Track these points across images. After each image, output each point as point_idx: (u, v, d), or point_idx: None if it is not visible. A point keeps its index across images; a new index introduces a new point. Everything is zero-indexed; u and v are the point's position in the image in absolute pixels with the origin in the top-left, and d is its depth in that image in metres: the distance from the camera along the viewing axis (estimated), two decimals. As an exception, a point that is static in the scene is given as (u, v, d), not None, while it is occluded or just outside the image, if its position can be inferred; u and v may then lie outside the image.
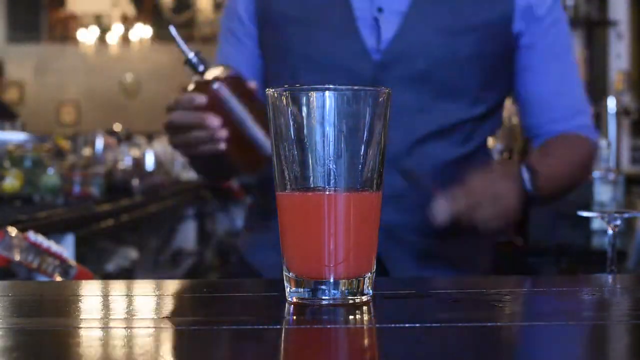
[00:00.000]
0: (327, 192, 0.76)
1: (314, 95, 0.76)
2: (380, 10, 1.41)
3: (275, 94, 0.78)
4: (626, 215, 1.01)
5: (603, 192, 2.09)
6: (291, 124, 0.77)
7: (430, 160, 1.40)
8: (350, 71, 1.41)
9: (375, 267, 0.79)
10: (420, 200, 1.29)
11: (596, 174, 2.12)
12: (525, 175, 1.31)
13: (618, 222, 1.00)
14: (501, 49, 1.44)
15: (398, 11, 1.41)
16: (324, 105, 0.76)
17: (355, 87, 0.77)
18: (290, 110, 0.77)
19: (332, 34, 1.44)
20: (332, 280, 0.76)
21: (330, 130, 0.76)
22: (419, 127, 1.39)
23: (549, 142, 1.48)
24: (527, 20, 1.44)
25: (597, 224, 2.09)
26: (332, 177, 0.76)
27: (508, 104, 2.43)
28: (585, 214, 1.04)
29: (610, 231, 1.01)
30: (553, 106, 1.49)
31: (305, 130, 0.76)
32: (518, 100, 1.54)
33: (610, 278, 0.96)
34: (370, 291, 0.78)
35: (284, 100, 0.77)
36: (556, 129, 1.49)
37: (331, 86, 0.76)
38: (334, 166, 0.76)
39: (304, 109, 0.76)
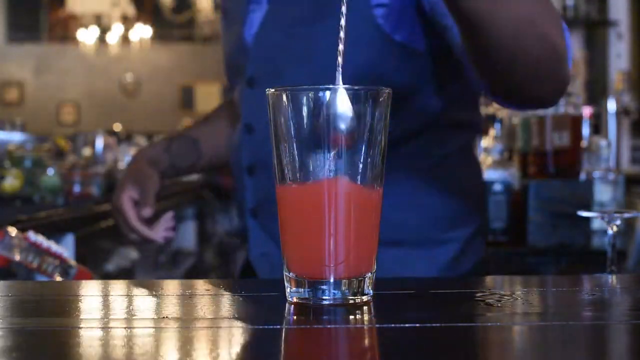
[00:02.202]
0: (327, 192, 0.76)
1: (314, 94, 0.76)
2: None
3: (275, 93, 0.78)
4: (626, 215, 1.01)
5: (603, 192, 2.09)
6: (291, 123, 0.77)
7: None
8: (239, 69, 1.41)
9: (375, 267, 0.79)
10: None
11: (596, 174, 2.12)
12: None
13: (618, 222, 1.00)
14: (365, 36, 1.29)
15: (266, 4, 1.36)
16: (324, 104, 0.76)
17: (356, 87, 0.77)
18: (290, 110, 0.77)
19: (231, 29, 1.44)
20: (332, 280, 0.76)
21: (330, 130, 0.76)
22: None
23: None
24: None
25: (597, 224, 2.09)
26: (332, 177, 0.76)
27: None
28: (585, 214, 1.04)
29: (610, 231, 1.01)
30: None
31: (305, 130, 0.76)
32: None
33: (610, 278, 0.95)
34: (371, 291, 0.78)
35: (284, 100, 0.77)
36: None
37: (331, 86, 0.76)
38: (334, 166, 0.76)
39: (304, 108, 0.76)
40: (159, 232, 1.47)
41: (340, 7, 1.10)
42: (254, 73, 1.38)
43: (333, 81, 0.78)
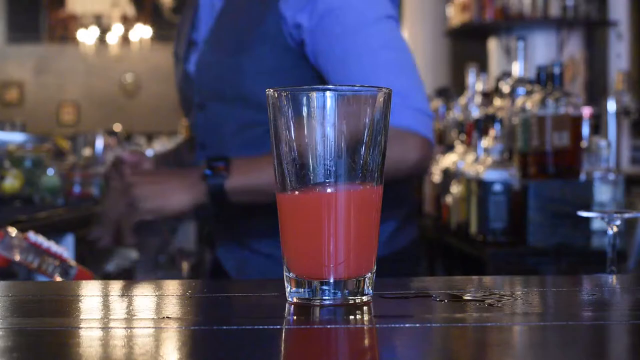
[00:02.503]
0: (327, 192, 0.76)
1: (314, 95, 0.76)
2: (191, 43, 1.69)
3: (275, 94, 0.78)
4: (626, 215, 1.01)
5: (603, 192, 2.09)
6: (291, 124, 0.77)
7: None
8: (185, 96, 1.71)
9: (375, 267, 0.79)
10: None
11: (596, 174, 2.12)
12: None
13: (618, 222, 1.00)
14: (284, 63, 1.55)
15: (200, 40, 1.66)
16: (324, 105, 0.76)
17: (356, 87, 0.77)
18: (291, 110, 0.77)
19: (178, 67, 1.75)
20: (332, 280, 0.76)
21: (330, 131, 0.76)
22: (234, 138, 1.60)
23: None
24: (298, 33, 1.51)
25: (597, 224, 2.09)
26: (332, 177, 0.76)
27: (507, 104, 2.43)
28: (585, 214, 1.04)
29: (610, 231, 1.01)
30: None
31: (305, 130, 0.76)
32: None
33: (610, 278, 0.95)
34: (371, 291, 0.78)
35: (284, 100, 0.77)
36: None
37: (331, 86, 0.76)
38: (334, 166, 0.76)
39: (304, 109, 0.76)
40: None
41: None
42: (200, 99, 1.64)
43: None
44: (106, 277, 2.92)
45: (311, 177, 0.77)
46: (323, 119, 0.76)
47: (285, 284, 0.79)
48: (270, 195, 1.36)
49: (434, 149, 1.53)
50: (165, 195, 1.44)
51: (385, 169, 1.17)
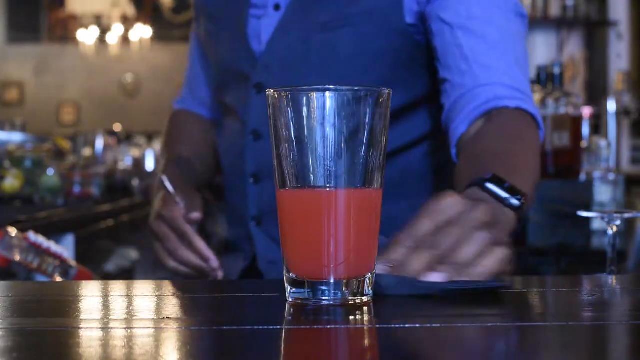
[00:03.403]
0: (328, 192, 0.76)
1: (314, 95, 0.76)
2: (275, 6, 1.37)
3: (275, 94, 0.78)
4: (626, 216, 1.01)
5: (603, 192, 2.09)
6: (291, 124, 0.77)
7: None
8: (240, 74, 1.40)
9: (375, 269, 0.79)
10: None
11: (596, 174, 2.12)
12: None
13: (618, 222, 1.00)
14: (393, 45, 1.31)
15: (275, 10, 1.36)
16: (324, 105, 0.76)
17: (356, 88, 0.77)
18: (290, 111, 0.77)
19: (225, 34, 1.42)
20: (332, 280, 0.76)
21: (330, 131, 0.76)
22: None
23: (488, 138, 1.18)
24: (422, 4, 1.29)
25: (597, 224, 2.09)
26: (332, 178, 0.76)
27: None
28: (585, 214, 1.04)
29: (610, 231, 1.01)
30: (470, 71, 1.25)
31: (305, 131, 0.76)
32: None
33: (610, 278, 0.95)
34: (371, 292, 0.78)
35: (284, 101, 0.77)
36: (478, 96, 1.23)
37: (331, 86, 0.76)
38: (334, 166, 0.76)
39: (304, 109, 0.76)
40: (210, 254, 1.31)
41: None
42: (264, 80, 1.36)
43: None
44: (106, 277, 2.92)
45: (311, 177, 0.77)
46: (323, 119, 0.76)
47: (285, 284, 0.79)
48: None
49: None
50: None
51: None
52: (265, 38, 1.37)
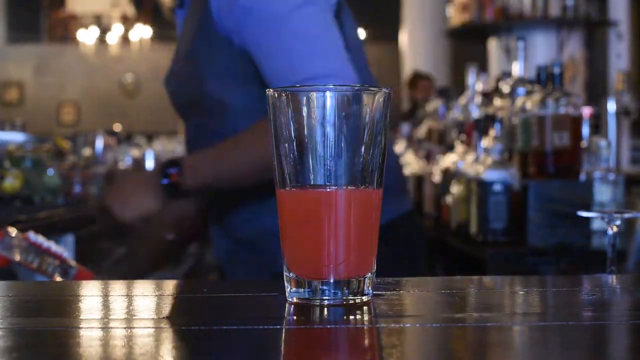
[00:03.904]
0: (327, 192, 0.76)
1: (314, 95, 0.76)
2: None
3: (276, 94, 0.78)
4: (626, 215, 1.01)
5: (603, 192, 2.08)
6: (291, 123, 0.77)
7: None
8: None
9: (375, 268, 0.79)
10: None
11: (596, 174, 2.12)
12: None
13: (618, 222, 1.00)
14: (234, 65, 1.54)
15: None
16: (324, 105, 0.76)
17: (356, 87, 0.77)
18: (291, 110, 0.77)
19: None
20: (332, 280, 0.76)
21: (330, 130, 0.76)
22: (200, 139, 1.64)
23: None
24: (211, 35, 1.53)
25: (597, 224, 2.09)
26: (332, 177, 0.76)
27: (507, 104, 2.43)
28: (585, 214, 1.04)
29: (610, 231, 1.01)
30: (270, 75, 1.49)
31: (305, 130, 0.76)
32: None
33: (610, 278, 0.95)
34: (371, 291, 0.78)
35: (284, 100, 0.77)
36: None
37: (331, 86, 0.76)
38: (334, 166, 0.76)
39: (304, 109, 0.76)
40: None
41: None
42: (181, 113, 1.70)
43: None
44: (106, 277, 2.91)
45: (311, 177, 0.77)
46: (323, 119, 0.76)
47: (285, 284, 0.79)
48: (236, 180, 1.51)
49: None
50: (128, 200, 1.56)
51: None
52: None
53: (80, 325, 0.69)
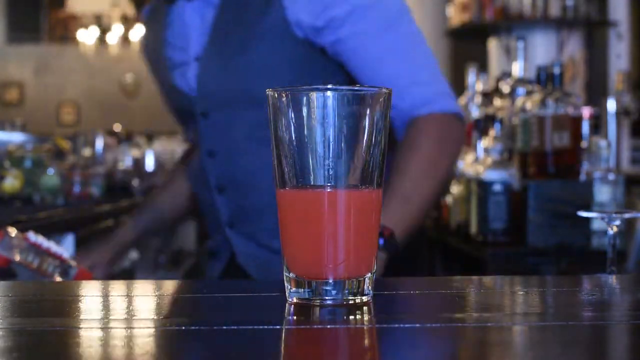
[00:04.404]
0: (328, 192, 0.76)
1: (314, 95, 0.76)
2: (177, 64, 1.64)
3: (276, 94, 0.78)
4: (626, 216, 1.01)
5: (603, 192, 2.09)
6: (291, 124, 0.77)
7: None
8: (181, 109, 1.67)
9: (375, 268, 0.79)
10: None
11: (596, 174, 2.12)
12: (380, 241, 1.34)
13: (618, 222, 1.00)
14: (294, 56, 1.51)
15: (192, 57, 1.61)
16: (324, 105, 0.76)
17: (355, 88, 0.77)
18: (291, 110, 0.77)
19: (161, 77, 1.71)
20: (332, 280, 0.76)
21: (330, 131, 0.76)
22: (251, 152, 1.57)
23: (394, 171, 1.45)
24: (307, 27, 1.48)
25: (597, 224, 2.09)
26: (332, 177, 0.76)
27: (507, 104, 2.43)
28: (585, 214, 1.04)
29: (610, 231, 1.01)
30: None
31: (305, 130, 0.76)
32: None
33: (610, 278, 0.95)
34: (371, 291, 0.78)
35: (284, 101, 0.77)
36: (393, 114, 1.47)
37: (331, 86, 0.76)
38: (334, 166, 0.76)
39: (304, 109, 0.76)
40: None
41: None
42: (203, 109, 1.59)
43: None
44: (106, 277, 2.91)
45: (311, 177, 0.77)
46: (323, 119, 0.76)
47: (285, 284, 0.79)
48: (421, 218, 1.46)
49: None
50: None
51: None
52: (193, 84, 1.61)
53: (80, 325, 0.69)
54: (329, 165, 0.76)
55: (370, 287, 0.78)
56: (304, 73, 1.52)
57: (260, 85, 1.46)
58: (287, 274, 0.78)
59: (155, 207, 1.93)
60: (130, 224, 1.88)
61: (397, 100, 1.44)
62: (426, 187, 1.44)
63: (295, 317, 0.73)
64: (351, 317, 0.73)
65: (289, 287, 0.78)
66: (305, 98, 0.76)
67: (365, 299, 0.77)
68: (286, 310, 0.75)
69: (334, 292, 0.76)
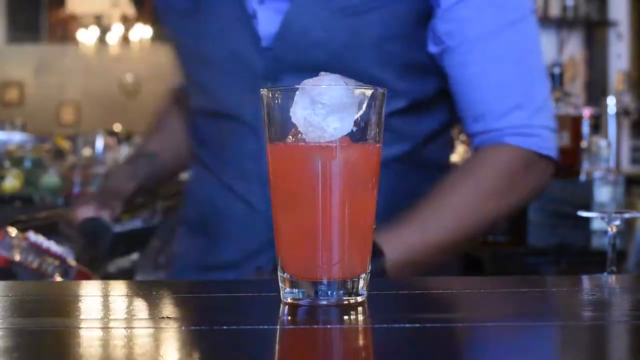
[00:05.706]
0: (322, 194, 0.76)
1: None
2: None
3: (271, 94, 0.77)
4: (626, 216, 1.01)
5: (603, 192, 2.08)
6: (288, 123, 0.76)
7: None
8: (241, 64, 1.27)
9: (370, 268, 0.79)
10: None
11: (596, 174, 2.12)
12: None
13: (618, 222, 1.00)
14: (414, 31, 1.22)
15: None
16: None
17: (350, 87, 0.77)
18: (287, 110, 0.76)
19: (220, 24, 1.28)
20: (327, 281, 0.76)
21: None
22: None
23: (443, 185, 1.21)
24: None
25: (597, 224, 2.08)
26: (326, 179, 0.76)
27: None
28: (585, 214, 1.04)
29: (610, 231, 1.01)
30: (475, 99, 1.23)
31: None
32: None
33: (610, 278, 0.95)
34: (365, 292, 0.78)
35: (280, 100, 0.77)
36: (477, 129, 1.24)
37: (324, 86, 0.76)
38: (330, 167, 0.76)
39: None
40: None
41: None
42: (274, 70, 1.24)
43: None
44: (106, 277, 2.91)
45: (306, 177, 0.76)
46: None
47: (280, 284, 0.78)
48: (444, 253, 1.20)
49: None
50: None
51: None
52: (275, 24, 1.23)
53: (80, 325, 0.69)
54: (325, 167, 0.76)
55: (365, 288, 0.78)
56: (415, 59, 1.25)
57: (365, 58, 1.21)
58: (281, 274, 0.78)
59: (148, 149, 1.62)
60: (125, 172, 1.56)
61: (490, 120, 1.22)
62: (460, 228, 1.19)
63: (290, 318, 0.73)
64: (346, 317, 0.73)
65: (284, 287, 0.78)
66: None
67: (360, 299, 0.77)
68: (281, 311, 0.75)
69: (329, 292, 0.76)
